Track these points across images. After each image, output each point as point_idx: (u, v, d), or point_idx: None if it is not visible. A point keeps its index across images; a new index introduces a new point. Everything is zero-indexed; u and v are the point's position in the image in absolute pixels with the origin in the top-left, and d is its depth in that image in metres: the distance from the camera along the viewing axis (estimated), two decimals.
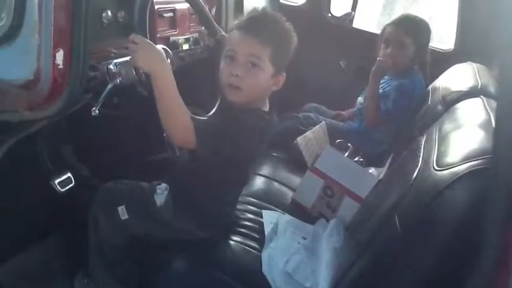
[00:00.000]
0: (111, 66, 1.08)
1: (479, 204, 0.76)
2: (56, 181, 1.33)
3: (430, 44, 1.97)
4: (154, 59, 1.03)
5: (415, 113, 1.78)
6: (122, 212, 1.17)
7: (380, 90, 1.96)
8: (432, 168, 0.95)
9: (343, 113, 2.22)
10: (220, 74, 1.12)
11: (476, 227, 0.74)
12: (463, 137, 1.02)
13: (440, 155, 0.98)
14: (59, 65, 0.76)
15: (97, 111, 1.04)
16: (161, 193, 1.21)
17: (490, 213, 0.66)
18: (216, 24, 1.36)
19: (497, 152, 0.70)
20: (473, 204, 0.80)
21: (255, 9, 1.15)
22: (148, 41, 1.07)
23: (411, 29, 1.88)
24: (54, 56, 0.75)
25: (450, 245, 0.82)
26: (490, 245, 0.66)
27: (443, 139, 1.08)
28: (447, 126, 1.16)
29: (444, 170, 0.89)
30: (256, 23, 1.10)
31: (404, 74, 1.93)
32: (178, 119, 1.05)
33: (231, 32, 1.15)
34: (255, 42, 1.08)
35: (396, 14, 2.04)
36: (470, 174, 0.82)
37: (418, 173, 1.02)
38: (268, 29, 1.09)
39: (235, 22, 1.14)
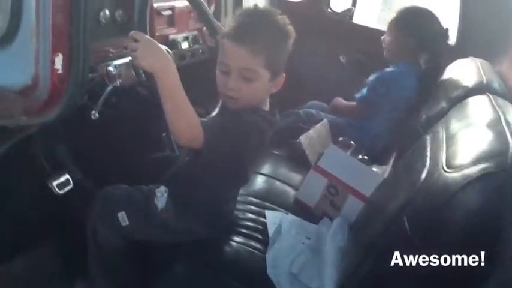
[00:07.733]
0: (110, 68, 1.05)
1: (494, 208, 0.74)
2: (54, 183, 1.30)
3: None
4: (158, 57, 0.97)
5: (403, 105, 1.85)
6: (122, 218, 1.15)
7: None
8: (442, 170, 0.92)
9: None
10: (217, 83, 1.09)
11: (491, 230, 0.73)
12: (473, 137, 1.00)
13: (450, 155, 0.96)
14: (57, 70, 0.72)
15: (97, 114, 1.02)
16: (161, 196, 1.19)
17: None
18: (216, 22, 1.32)
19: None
20: (488, 207, 0.78)
21: (243, 12, 1.09)
22: (150, 37, 1.00)
23: (397, 19, 1.94)
24: (53, 61, 0.71)
25: (464, 247, 0.80)
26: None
27: (451, 139, 1.06)
28: (455, 125, 1.14)
29: (455, 172, 0.87)
30: (246, 31, 1.03)
31: (390, 64, 1.96)
32: (187, 118, 1.01)
33: (221, 42, 1.09)
34: (246, 54, 1.02)
35: (396, 9, 2.03)
36: (483, 177, 0.80)
37: (427, 173, 0.99)
38: (259, 35, 1.03)
39: (225, 30, 1.09)
